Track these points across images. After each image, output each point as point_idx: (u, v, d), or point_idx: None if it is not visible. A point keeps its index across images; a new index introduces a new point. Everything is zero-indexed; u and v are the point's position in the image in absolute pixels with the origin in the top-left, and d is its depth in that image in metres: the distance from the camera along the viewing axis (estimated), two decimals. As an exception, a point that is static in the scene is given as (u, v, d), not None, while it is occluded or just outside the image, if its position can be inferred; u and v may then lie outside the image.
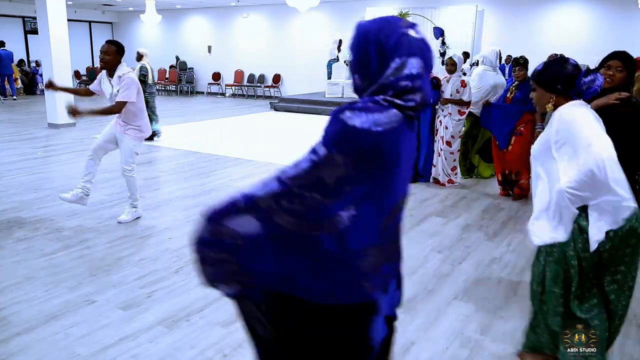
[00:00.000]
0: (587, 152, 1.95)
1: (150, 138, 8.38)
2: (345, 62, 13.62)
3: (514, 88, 5.26)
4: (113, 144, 4.32)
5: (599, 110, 2.31)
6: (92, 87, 4.37)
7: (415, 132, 1.35)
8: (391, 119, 1.20)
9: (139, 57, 8.18)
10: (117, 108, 4.06)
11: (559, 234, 2.10)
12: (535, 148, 2.21)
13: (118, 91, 4.06)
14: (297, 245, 1.26)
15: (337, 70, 13.35)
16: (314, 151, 1.20)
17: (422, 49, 1.26)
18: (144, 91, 8.02)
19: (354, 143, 1.17)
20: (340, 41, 13.45)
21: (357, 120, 1.17)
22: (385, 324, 1.46)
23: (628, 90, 2.84)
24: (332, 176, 1.18)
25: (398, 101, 1.22)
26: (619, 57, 2.80)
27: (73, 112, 3.89)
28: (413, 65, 1.23)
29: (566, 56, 2.16)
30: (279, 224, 1.24)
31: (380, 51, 1.25)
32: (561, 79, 2.09)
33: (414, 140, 1.35)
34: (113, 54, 4.06)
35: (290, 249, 1.27)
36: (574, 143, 2.00)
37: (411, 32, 1.26)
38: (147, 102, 8.09)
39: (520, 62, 5.21)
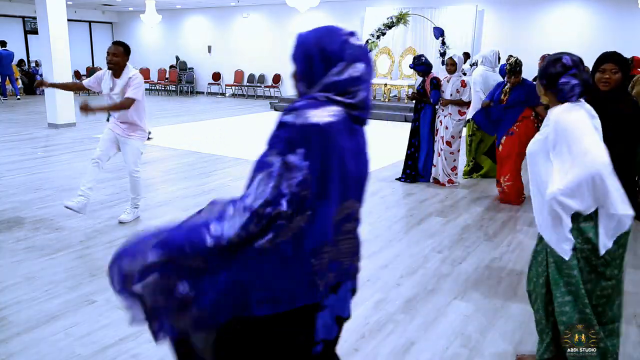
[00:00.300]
0: (583, 161, 1.94)
1: None
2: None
3: (507, 90, 5.13)
4: (115, 148, 4.34)
5: (599, 108, 2.30)
6: (86, 82, 4.36)
7: (362, 135, 1.37)
8: (329, 113, 1.24)
9: None
10: (127, 103, 4.07)
11: (566, 253, 2.10)
12: (531, 148, 2.20)
13: (123, 90, 4.09)
14: (257, 257, 1.25)
15: None
16: (267, 164, 1.20)
17: (364, 55, 1.32)
18: None
19: (300, 140, 1.20)
20: None
21: (300, 118, 1.21)
22: (335, 324, 1.45)
23: (625, 90, 2.84)
24: (291, 183, 1.19)
25: (337, 97, 1.27)
26: (612, 59, 2.80)
27: (85, 107, 3.86)
28: (357, 69, 1.29)
29: (568, 54, 2.12)
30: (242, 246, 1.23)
31: (324, 58, 1.30)
32: (545, 74, 2.12)
33: (361, 141, 1.37)
34: (121, 55, 4.11)
35: (247, 262, 1.25)
36: (570, 150, 1.99)
37: (352, 40, 1.32)
38: None
39: (517, 70, 4.96)
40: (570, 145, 1.99)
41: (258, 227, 1.19)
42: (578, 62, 2.10)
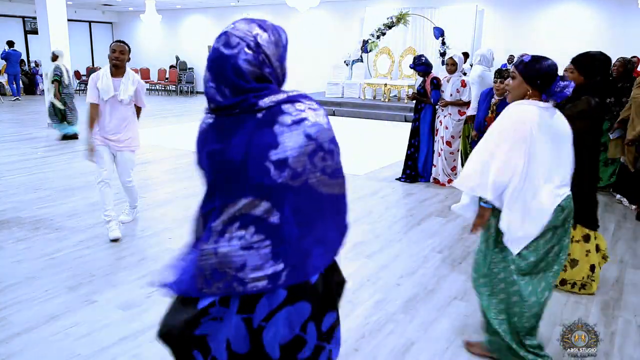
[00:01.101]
0: (495, 160, 2.14)
1: (71, 138, 8.47)
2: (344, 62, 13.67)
3: (494, 107, 4.85)
4: (113, 160, 4.19)
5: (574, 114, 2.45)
6: (92, 100, 3.98)
7: (235, 122, 1.30)
8: (201, 122, 1.38)
9: (54, 57, 8.26)
10: (139, 112, 4.23)
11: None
12: None
13: (132, 94, 4.02)
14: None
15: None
16: None
17: (210, 60, 1.32)
18: (61, 92, 8.14)
19: None
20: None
21: None
22: (225, 351, 1.34)
23: (592, 91, 2.97)
24: None
25: (207, 105, 1.37)
26: (573, 61, 3.05)
27: None
28: (205, 76, 1.34)
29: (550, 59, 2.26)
30: None
31: None
32: (543, 75, 2.18)
33: (234, 128, 1.29)
34: (127, 54, 4.02)
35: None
36: (497, 146, 2.17)
37: (215, 44, 1.32)
38: (65, 104, 8.19)
39: (505, 76, 4.68)
40: (499, 142, 2.16)
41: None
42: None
